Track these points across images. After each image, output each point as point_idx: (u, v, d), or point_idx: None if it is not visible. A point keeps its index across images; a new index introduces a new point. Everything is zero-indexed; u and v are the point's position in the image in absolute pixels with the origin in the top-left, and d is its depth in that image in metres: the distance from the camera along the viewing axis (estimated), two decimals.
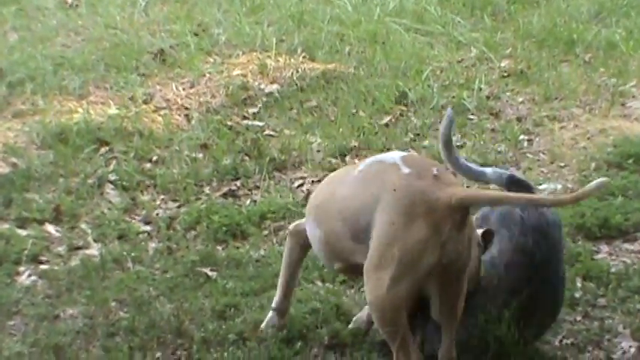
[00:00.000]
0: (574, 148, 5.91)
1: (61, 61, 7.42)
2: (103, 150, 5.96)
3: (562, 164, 5.70)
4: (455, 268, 3.37)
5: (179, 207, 5.34)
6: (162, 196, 5.46)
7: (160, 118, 6.48)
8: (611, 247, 4.69)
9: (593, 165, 5.59)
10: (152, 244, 4.92)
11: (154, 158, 5.89)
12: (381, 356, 3.84)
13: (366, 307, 3.89)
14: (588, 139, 6.02)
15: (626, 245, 4.70)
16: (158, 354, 3.91)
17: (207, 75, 7.13)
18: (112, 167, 5.74)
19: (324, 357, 3.85)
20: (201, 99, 6.79)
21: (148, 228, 5.11)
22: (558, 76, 6.97)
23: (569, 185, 5.37)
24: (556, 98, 6.65)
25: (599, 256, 4.58)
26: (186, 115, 6.58)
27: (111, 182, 5.55)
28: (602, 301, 4.20)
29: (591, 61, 7.30)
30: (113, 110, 6.54)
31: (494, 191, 3.74)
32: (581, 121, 6.30)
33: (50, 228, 5.06)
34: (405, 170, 3.40)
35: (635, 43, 7.46)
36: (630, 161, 5.47)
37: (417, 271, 3.30)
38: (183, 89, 6.96)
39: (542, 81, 6.91)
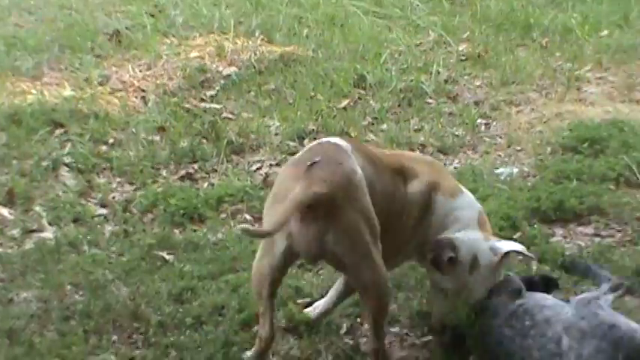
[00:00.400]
0: (530, 132, 5.95)
1: (14, 42, 7.33)
2: (57, 132, 5.89)
3: (518, 148, 5.74)
4: (329, 259, 3.43)
5: (135, 190, 5.29)
6: (118, 179, 5.41)
7: (116, 100, 6.42)
8: (566, 230, 4.73)
9: (548, 149, 5.62)
10: (108, 227, 4.87)
11: (110, 141, 5.83)
12: (339, 339, 3.85)
13: (328, 294, 3.91)
14: (544, 123, 6.06)
15: (581, 228, 4.74)
16: (114, 337, 3.87)
17: (164, 57, 7.08)
18: (67, 149, 5.66)
19: (282, 340, 3.84)
20: (158, 81, 6.74)
21: (103, 211, 5.05)
22: (515, 60, 7.02)
23: (526, 169, 5.40)
24: (513, 82, 6.70)
25: (554, 239, 4.61)
26: (143, 98, 6.52)
27: (66, 165, 5.48)
28: None
29: (548, 46, 7.37)
30: (68, 92, 6.47)
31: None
32: (538, 105, 6.35)
33: (4, 211, 4.99)
34: (298, 155, 3.50)
35: (590, 28, 7.53)
36: (585, 145, 5.51)
37: (272, 254, 3.42)
38: (140, 71, 6.91)
39: (500, 65, 6.95)
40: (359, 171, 3.42)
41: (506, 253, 3.70)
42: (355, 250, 3.37)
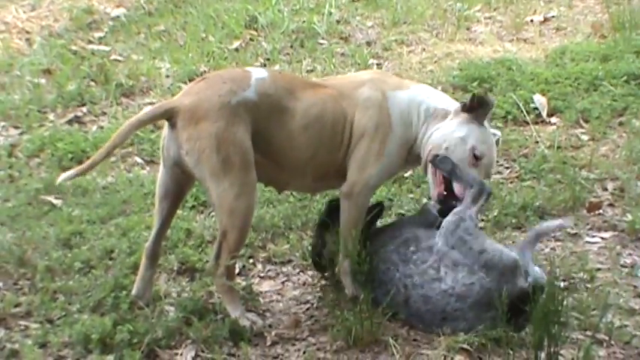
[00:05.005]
0: (422, 71, 5.99)
1: None
2: None
3: None
4: (186, 169, 3.41)
5: (21, 134, 5.16)
6: (2, 123, 5.27)
7: None
8: None
9: (439, 88, 5.66)
10: None
11: None
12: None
13: None
14: (435, 62, 6.12)
15: None
16: None
17: None
18: None
19: (174, 282, 3.82)
20: (44, 23, 6.57)
21: None
22: (406, 1, 7.05)
23: None
24: (404, 23, 6.73)
25: None
26: (28, 40, 6.35)
27: None
28: None
29: None
30: None
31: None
32: (429, 45, 6.40)
33: None
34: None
35: None
36: (475, 84, 5.59)
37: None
38: (24, 12, 6.72)
39: (391, 5, 6.98)
40: (244, 95, 3.39)
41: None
42: (201, 166, 3.36)
